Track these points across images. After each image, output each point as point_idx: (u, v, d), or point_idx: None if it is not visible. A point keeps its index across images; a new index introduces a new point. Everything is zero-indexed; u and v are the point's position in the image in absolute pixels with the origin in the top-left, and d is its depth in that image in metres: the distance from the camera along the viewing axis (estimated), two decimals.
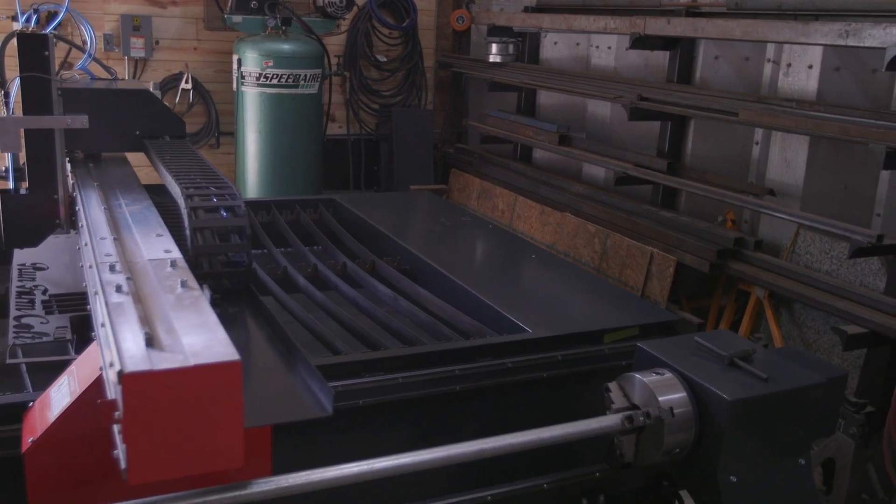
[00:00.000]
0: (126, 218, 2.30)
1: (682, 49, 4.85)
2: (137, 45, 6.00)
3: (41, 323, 2.75)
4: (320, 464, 1.81)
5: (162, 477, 1.42)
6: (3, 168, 3.03)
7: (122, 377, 1.34)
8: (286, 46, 5.92)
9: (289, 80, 5.89)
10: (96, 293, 1.74)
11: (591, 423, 2.30)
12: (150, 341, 1.45)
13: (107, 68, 3.37)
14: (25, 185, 2.95)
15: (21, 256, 3.37)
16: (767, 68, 4.65)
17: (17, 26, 5.67)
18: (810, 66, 4.19)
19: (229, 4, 6.01)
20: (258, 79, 5.88)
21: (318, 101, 6.16)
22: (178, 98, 6.30)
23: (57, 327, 2.73)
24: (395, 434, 2.50)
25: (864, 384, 3.73)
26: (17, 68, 2.69)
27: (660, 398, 2.28)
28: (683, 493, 2.68)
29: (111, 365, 1.40)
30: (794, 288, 4.01)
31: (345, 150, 6.95)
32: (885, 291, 3.82)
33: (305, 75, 5.96)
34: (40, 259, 3.36)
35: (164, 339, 1.48)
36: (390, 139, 7.02)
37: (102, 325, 1.57)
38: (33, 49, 2.79)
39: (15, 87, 2.88)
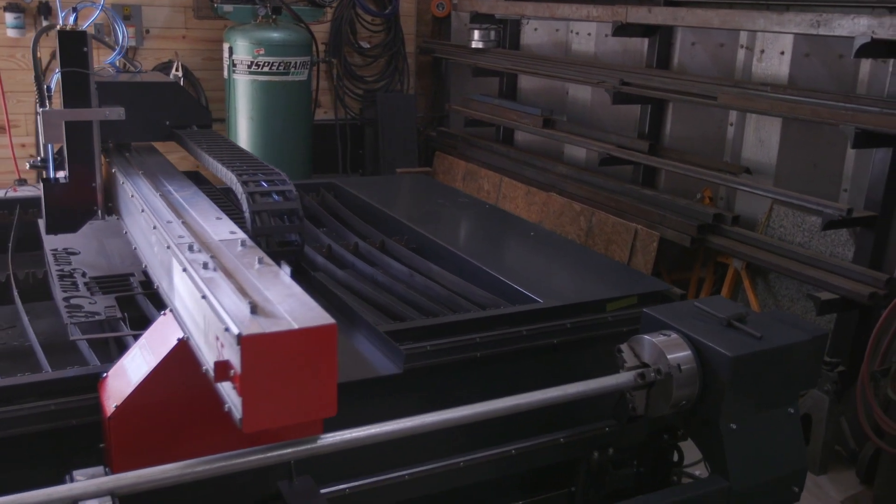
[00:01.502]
0: (181, 203, 2.50)
1: (661, 36, 5.13)
2: (128, 35, 6.07)
3: (90, 304, 2.94)
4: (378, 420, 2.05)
5: (270, 426, 1.65)
6: (38, 158, 3.17)
7: (242, 339, 1.56)
8: (276, 35, 6.07)
9: (280, 67, 6.05)
10: (184, 269, 1.95)
11: (608, 379, 2.56)
12: (255, 309, 1.67)
13: (132, 62, 3.52)
14: (63, 173, 3.11)
15: (52, 242, 3.54)
16: (741, 54, 4.95)
17: (8, 17, 5.75)
18: (782, 53, 4.49)
19: None
20: (249, 66, 6.02)
21: (307, 88, 6.33)
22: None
23: (106, 307, 2.92)
24: (426, 395, 2.72)
25: (836, 345, 4.07)
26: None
27: (668, 356, 2.55)
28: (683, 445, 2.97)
29: (226, 330, 1.61)
30: (770, 259, 4.34)
31: (332, 134, 7.12)
32: (853, 260, 4.16)
33: (295, 63, 6.12)
34: (69, 245, 3.54)
35: (265, 307, 1.70)
36: (375, 123, 7.21)
37: (203, 297, 1.78)
38: (73, 45, 2.95)
39: (54, 81, 3.03)
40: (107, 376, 2.33)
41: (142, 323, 2.97)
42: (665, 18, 4.69)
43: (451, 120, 7.59)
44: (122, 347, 2.76)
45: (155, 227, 2.27)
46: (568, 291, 3.26)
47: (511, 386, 2.64)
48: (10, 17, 5.67)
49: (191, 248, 2.06)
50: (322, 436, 2.04)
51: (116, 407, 2.17)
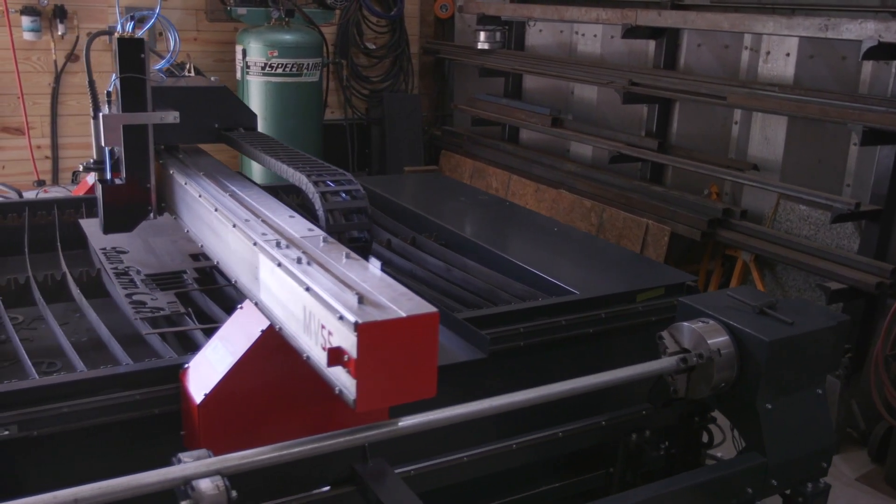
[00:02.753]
0: (252, 202, 2.64)
1: (668, 38, 5.32)
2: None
3: (152, 300, 3.07)
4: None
5: (379, 406, 1.81)
6: (91, 160, 3.29)
7: (359, 327, 1.71)
8: (289, 37, 6.19)
9: (293, 69, 6.17)
10: (279, 265, 2.09)
11: (652, 364, 2.74)
12: (362, 299, 1.82)
13: (178, 66, 3.64)
14: (118, 175, 3.23)
15: (99, 241, 3.66)
16: (745, 55, 5.15)
17: (25, 20, 5.82)
18: (788, 54, 4.70)
19: None
20: (263, 68, 6.14)
21: (318, 89, 6.46)
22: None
23: (168, 302, 3.06)
24: (500, 379, 2.87)
25: None
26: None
27: (708, 341, 2.73)
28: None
29: (340, 318, 1.76)
30: (779, 251, 4.54)
31: (341, 134, 7.25)
32: (858, 251, 4.37)
33: (308, 64, 6.24)
34: (114, 244, 3.65)
35: (370, 297, 1.85)
36: (381, 123, 7.35)
37: (307, 290, 1.93)
38: (131, 52, 3.07)
39: (110, 86, 3.14)
40: (188, 367, 2.46)
41: (202, 317, 3.11)
42: (675, 21, 4.88)
43: (454, 119, 7.74)
44: (184, 340, 2.90)
45: (235, 226, 2.41)
46: (600, 283, 3.43)
47: (553, 374, 2.80)
48: (26, 21, 5.75)
49: (278, 245, 2.20)
50: (402, 418, 2.20)
51: (205, 395, 2.31)
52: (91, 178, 4.61)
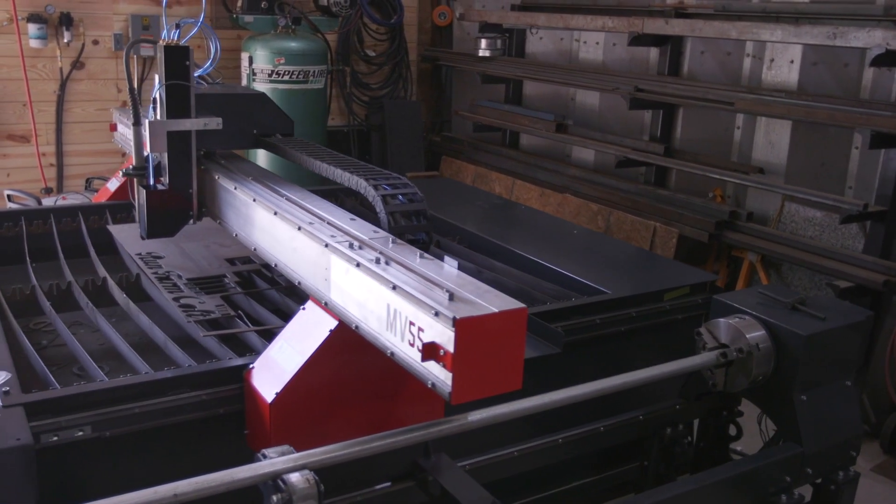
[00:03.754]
0: (309, 206, 2.70)
1: (672, 45, 5.47)
2: (147, 45, 6.20)
3: (200, 303, 3.12)
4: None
5: (473, 398, 1.89)
6: (131, 167, 3.33)
7: (457, 322, 1.79)
8: (295, 44, 6.25)
9: (299, 76, 6.23)
10: (358, 265, 2.16)
11: (694, 359, 2.85)
12: (452, 296, 1.91)
13: (211, 75, 3.69)
14: (159, 180, 3.28)
15: (133, 247, 3.69)
16: (747, 62, 5.32)
17: (31, 28, 5.82)
18: (792, 61, 4.86)
19: (239, 4, 6.28)
20: (270, 75, 6.19)
21: (323, 96, 6.52)
22: None
23: (216, 306, 3.11)
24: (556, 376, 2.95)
25: None
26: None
27: (747, 336, 2.85)
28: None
29: (436, 314, 1.84)
30: (786, 252, 4.69)
31: (343, 140, 7.31)
32: (863, 251, 4.53)
33: (314, 71, 6.30)
34: (148, 249, 3.69)
35: (459, 294, 1.94)
36: (382, 129, 7.42)
37: (394, 289, 2.00)
38: (176, 59, 3.13)
39: (154, 93, 3.18)
40: (253, 367, 2.52)
41: (249, 319, 3.16)
42: (683, 30, 5.02)
43: (453, 125, 7.84)
44: (234, 342, 2.94)
45: (300, 229, 2.47)
46: (629, 283, 3.53)
47: (588, 371, 2.89)
48: (33, 28, 5.75)
49: (351, 246, 2.27)
50: (471, 412, 2.29)
51: (276, 394, 2.37)
52: (111, 184, 4.63)
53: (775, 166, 5.04)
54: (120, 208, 4.34)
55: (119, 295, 3.23)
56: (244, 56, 6.33)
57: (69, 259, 3.81)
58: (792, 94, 4.64)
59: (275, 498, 2.00)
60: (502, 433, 2.74)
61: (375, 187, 2.59)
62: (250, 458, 2.50)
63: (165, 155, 3.19)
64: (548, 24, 6.17)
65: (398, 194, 2.61)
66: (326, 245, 2.33)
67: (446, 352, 1.83)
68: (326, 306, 2.38)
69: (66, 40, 5.97)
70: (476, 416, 2.32)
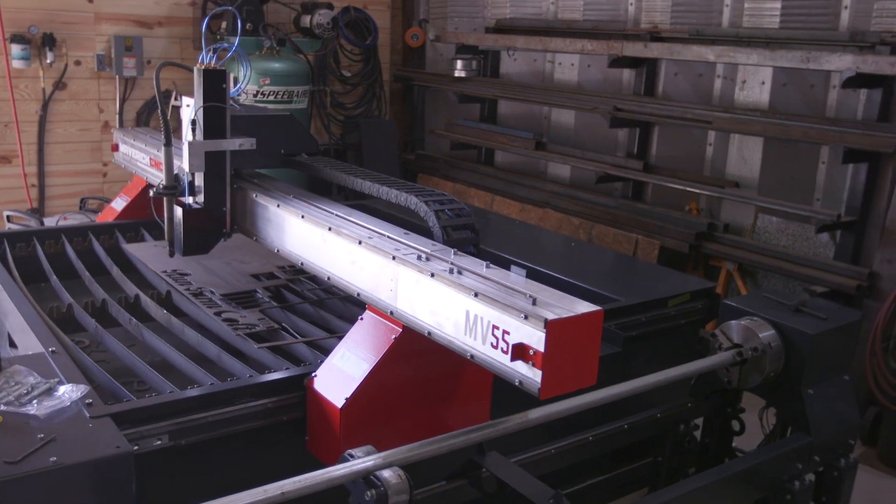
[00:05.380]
0: (362, 221, 2.85)
1: (648, 67, 5.79)
2: (129, 65, 6.23)
3: (241, 317, 3.22)
4: None
5: (557, 393, 2.06)
6: (161, 185, 3.41)
7: (548, 324, 1.97)
8: (280, 65, 6.36)
9: (284, 96, 6.33)
10: (432, 275, 2.32)
11: (713, 358, 3.08)
12: (535, 301, 2.09)
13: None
14: (194, 199, 3.37)
15: (156, 265, 3.76)
16: (718, 83, 5.66)
17: (15, 48, 5.80)
18: (763, 82, 5.22)
19: (223, 26, 6.37)
20: (255, 96, 6.28)
21: (306, 116, 6.63)
22: (168, 115, 6.56)
23: (258, 319, 3.21)
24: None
25: None
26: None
27: (760, 335, 3.10)
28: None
29: (525, 318, 2.02)
30: (763, 260, 5.01)
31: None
32: (834, 258, 4.88)
33: (297, 91, 6.42)
34: (171, 267, 3.76)
35: (540, 299, 2.12)
36: (358, 147, 7.56)
37: (476, 296, 2.17)
38: (214, 82, 3.25)
39: (190, 115, 3.28)
40: (315, 375, 2.65)
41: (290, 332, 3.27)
42: (661, 52, 5.33)
43: (426, 143, 8.04)
44: (280, 353, 3.05)
45: (361, 243, 2.62)
46: (636, 291, 3.77)
47: (616, 370, 3.10)
48: (16, 49, 5.72)
49: (419, 258, 2.44)
50: (531, 410, 2.47)
51: (346, 399, 2.51)
52: (117, 203, 4.67)
53: (749, 180, 5.38)
54: (128, 227, 4.40)
55: (157, 311, 3.30)
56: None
57: (77, 278, 3.84)
58: (765, 113, 4.98)
59: (368, 494, 2.14)
60: (531, 435, 2.91)
61: (427, 203, 2.75)
62: (312, 461, 2.65)
63: (200, 174, 3.31)
64: (526, 47, 6.43)
65: (446, 209, 2.79)
66: (394, 258, 2.48)
67: (536, 351, 2.01)
68: (392, 315, 2.52)
69: (48, 61, 5.96)
70: (536, 413, 2.50)
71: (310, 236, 2.94)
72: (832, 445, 3.20)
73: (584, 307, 2.09)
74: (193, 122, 3.22)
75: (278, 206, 3.11)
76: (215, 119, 3.24)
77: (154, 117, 6.56)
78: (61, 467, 1.99)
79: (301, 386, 2.68)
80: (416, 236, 2.70)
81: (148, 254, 3.93)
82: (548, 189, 6.46)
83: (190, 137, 3.23)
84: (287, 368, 2.77)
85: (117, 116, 6.44)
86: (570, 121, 6.66)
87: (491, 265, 2.39)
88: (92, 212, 5.59)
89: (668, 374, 2.95)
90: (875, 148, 4.34)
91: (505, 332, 2.11)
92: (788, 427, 3.39)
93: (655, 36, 5.70)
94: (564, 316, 2.01)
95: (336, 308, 3.48)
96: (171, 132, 3.41)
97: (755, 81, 5.27)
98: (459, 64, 7.08)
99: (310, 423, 2.68)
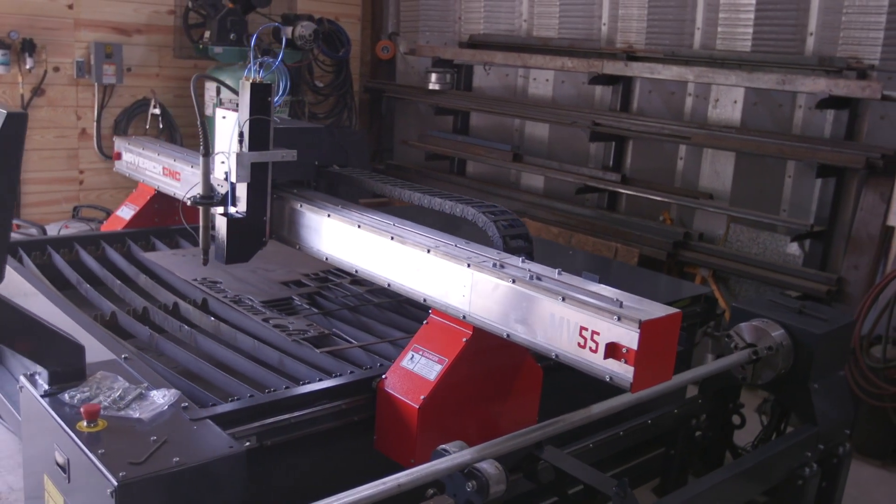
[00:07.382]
0: (418, 230, 3.01)
1: (624, 84, 6.11)
2: (109, 73, 6.17)
3: (290, 324, 3.32)
4: None
5: (645, 387, 2.27)
6: (198, 195, 3.47)
7: (642, 324, 2.18)
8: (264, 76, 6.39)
9: None
10: (514, 281, 2.50)
11: (731, 357, 3.36)
12: (622, 304, 2.30)
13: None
14: (236, 209, 3.45)
15: (185, 274, 3.81)
16: (689, 101, 6.02)
17: None
18: (735, 101, 5.60)
19: (207, 35, 6.36)
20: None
21: None
22: (147, 123, 6.53)
23: (308, 325, 3.32)
24: None
25: None
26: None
27: (772, 335, 3.40)
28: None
29: (618, 319, 2.22)
30: (738, 267, 5.37)
31: None
32: (803, 265, 5.28)
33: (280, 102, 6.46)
34: (199, 276, 3.81)
35: (624, 301, 2.33)
36: None
37: (564, 299, 2.36)
38: (261, 96, 3.35)
39: (235, 127, 3.36)
40: (385, 377, 2.80)
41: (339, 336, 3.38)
42: (641, 71, 5.65)
43: (395, 154, 8.18)
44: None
45: (429, 251, 2.78)
46: (644, 297, 4.02)
47: None
48: None
49: (495, 266, 2.62)
50: (594, 406, 2.68)
51: (423, 399, 2.67)
52: (123, 212, 4.66)
53: (721, 192, 5.74)
54: (139, 236, 4.41)
55: (202, 318, 3.37)
56: (210, 86, 6.41)
57: (102, 286, 3.86)
58: (739, 129, 5.36)
59: (469, 485, 2.30)
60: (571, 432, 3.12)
61: (485, 214, 2.93)
62: (380, 459, 2.79)
63: (243, 185, 3.39)
64: (505, 62, 6.67)
65: (500, 221, 2.97)
66: (468, 265, 2.65)
67: (629, 349, 2.22)
68: (464, 319, 2.69)
69: (28, 66, 5.86)
70: (598, 408, 2.71)
71: (369, 245, 3.07)
72: (833, 435, 3.52)
73: (664, 309, 2.31)
74: (241, 135, 3.31)
75: (329, 215, 3.23)
76: (261, 131, 3.34)
77: (133, 125, 6.50)
78: (184, 467, 2.07)
79: (369, 388, 2.82)
80: (478, 245, 2.87)
81: (170, 262, 3.97)
82: (523, 199, 6.70)
83: (237, 149, 3.31)
84: (352, 372, 2.90)
85: (94, 124, 6.36)
86: (545, 134, 6.93)
87: (562, 271, 2.59)
88: (87, 220, 5.52)
89: (697, 373, 3.22)
90: (844, 164, 4.75)
91: (594, 332, 2.30)
92: (784, 420, 3.72)
93: (631, 56, 6.02)
94: (655, 317, 2.22)
95: (372, 313, 3.61)
96: (209, 143, 3.48)
97: (728, 100, 5.65)
98: (434, 77, 7.27)
99: (379, 422, 2.82)
